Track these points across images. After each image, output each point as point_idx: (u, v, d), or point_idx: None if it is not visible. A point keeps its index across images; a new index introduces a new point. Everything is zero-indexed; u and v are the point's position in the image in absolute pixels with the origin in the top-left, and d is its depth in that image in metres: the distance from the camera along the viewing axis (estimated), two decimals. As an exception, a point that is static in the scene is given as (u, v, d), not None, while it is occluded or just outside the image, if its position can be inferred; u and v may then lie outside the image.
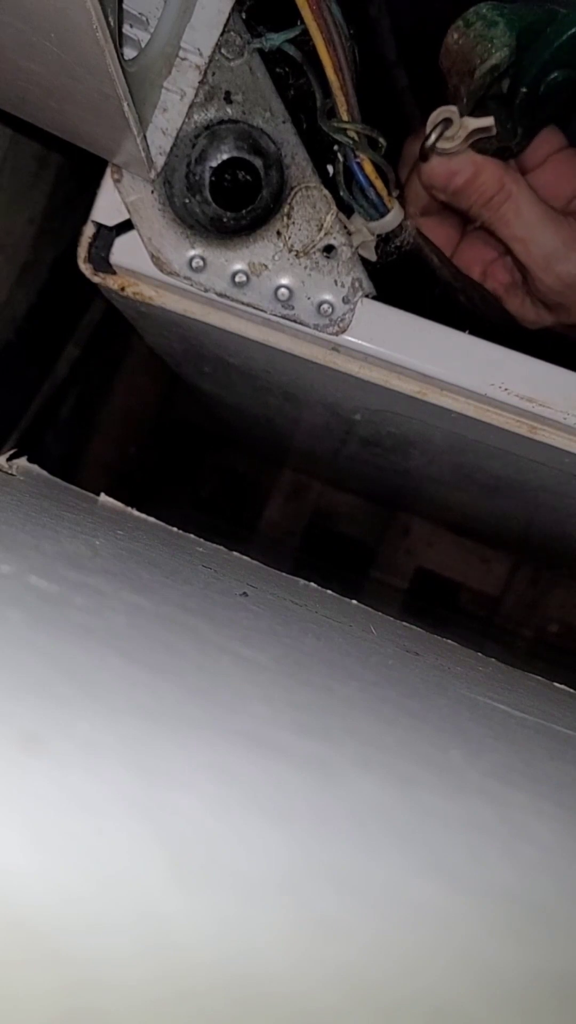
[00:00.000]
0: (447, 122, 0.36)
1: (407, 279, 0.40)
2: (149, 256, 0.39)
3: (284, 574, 0.43)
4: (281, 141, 0.38)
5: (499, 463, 0.50)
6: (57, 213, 0.62)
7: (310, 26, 0.34)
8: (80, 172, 0.61)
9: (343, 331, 0.39)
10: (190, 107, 0.38)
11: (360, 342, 0.39)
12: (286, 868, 0.17)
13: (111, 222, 0.40)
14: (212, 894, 0.15)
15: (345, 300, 0.39)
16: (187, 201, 0.39)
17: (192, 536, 0.42)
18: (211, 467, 1.11)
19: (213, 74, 0.38)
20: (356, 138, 0.36)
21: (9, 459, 0.40)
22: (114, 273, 0.41)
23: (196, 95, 0.38)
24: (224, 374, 0.56)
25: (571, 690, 0.41)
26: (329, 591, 0.42)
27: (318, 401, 0.53)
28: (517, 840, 0.21)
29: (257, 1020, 0.13)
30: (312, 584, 0.43)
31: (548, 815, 0.23)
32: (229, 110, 0.38)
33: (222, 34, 0.37)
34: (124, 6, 0.33)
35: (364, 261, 0.39)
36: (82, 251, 0.41)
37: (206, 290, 0.39)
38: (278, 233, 0.38)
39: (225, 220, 0.40)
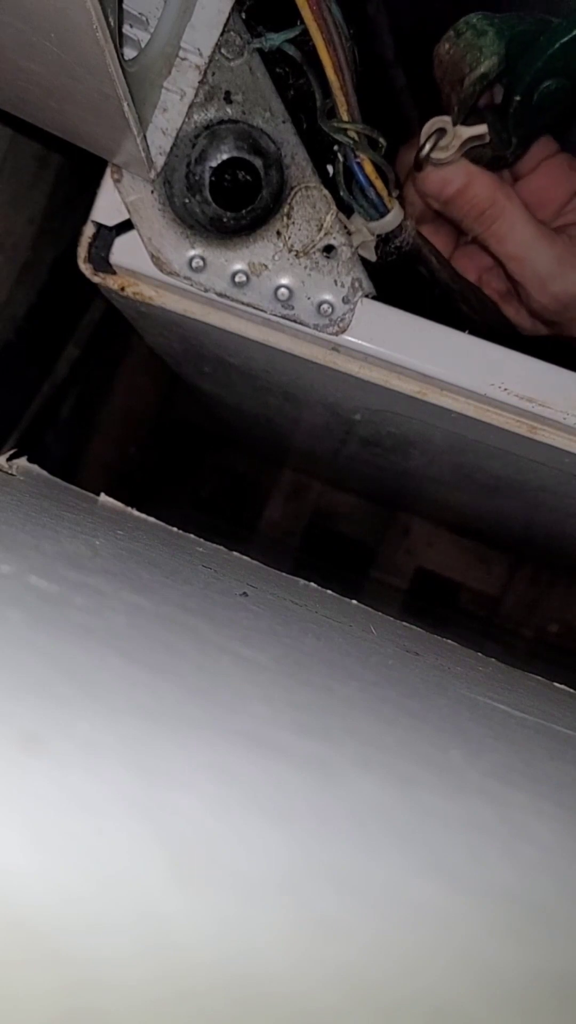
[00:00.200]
0: (441, 132, 0.36)
1: (407, 279, 0.40)
2: (149, 256, 0.39)
3: (284, 574, 0.43)
4: (281, 141, 0.38)
5: (499, 463, 0.50)
6: (57, 213, 0.62)
7: (310, 26, 0.34)
8: (80, 172, 0.61)
9: (343, 331, 0.39)
10: (190, 107, 0.38)
11: (360, 342, 0.39)
12: (286, 868, 0.17)
13: (111, 222, 0.40)
14: (212, 894, 0.15)
15: (345, 300, 0.39)
16: (187, 201, 0.39)
17: (192, 536, 0.42)
18: (211, 467, 1.11)
19: (213, 74, 0.38)
20: (356, 138, 0.36)
21: (9, 459, 0.40)
22: (114, 273, 0.41)
23: (196, 95, 0.38)
24: (224, 374, 0.56)
25: (571, 690, 0.41)
26: (329, 591, 0.42)
27: (318, 401, 0.53)
28: (517, 840, 0.21)
29: (257, 1020, 0.13)
30: (312, 584, 0.43)
31: (548, 815, 0.23)
32: (229, 110, 0.38)
33: (222, 34, 0.37)
34: (124, 6, 0.33)
35: (364, 261, 0.39)
36: (82, 251, 0.41)
37: (206, 290, 0.39)
38: (278, 233, 0.38)
39: (225, 220, 0.40)
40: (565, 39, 0.34)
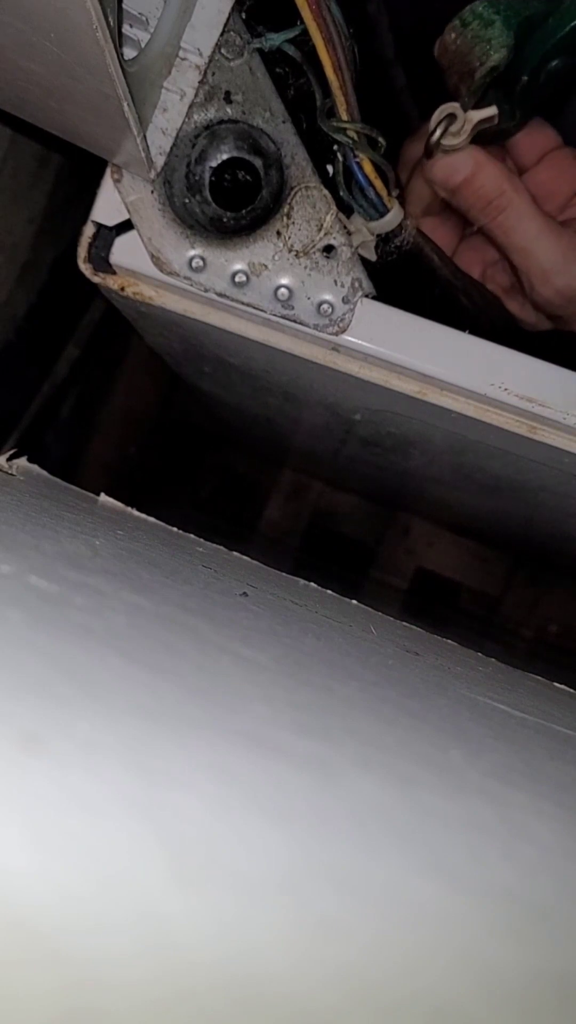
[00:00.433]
0: (451, 117, 0.36)
1: (407, 279, 0.40)
2: (149, 256, 0.39)
3: (284, 574, 0.43)
4: (281, 141, 0.38)
5: (499, 463, 0.50)
6: (57, 213, 0.62)
7: (310, 26, 0.34)
8: (80, 172, 0.61)
9: (343, 331, 0.39)
10: (190, 107, 0.38)
11: (360, 342, 0.39)
12: (286, 868, 0.17)
13: (111, 222, 0.40)
14: (212, 894, 0.15)
15: (345, 300, 0.39)
16: (187, 201, 0.39)
17: (192, 536, 0.42)
18: (211, 467, 1.11)
19: (213, 74, 0.38)
20: (356, 138, 0.36)
21: (9, 459, 0.40)
22: (114, 273, 0.41)
23: (196, 95, 0.38)
24: (224, 374, 0.56)
25: (571, 690, 0.41)
26: (329, 591, 0.42)
27: (318, 401, 0.53)
28: (517, 840, 0.21)
29: (257, 1020, 0.13)
30: (312, 584, 0.43)
31: (548, 815, 0.23)
32: (229, 110, 0.38)
33: (222, 34, 0.37)
34: (124, 6, 0.33)
35: (364, 261, 0.39)
36: (82, 251, 0.41)
37: (206, 290, 0.39)
38: (278, 233, 0.38)
39: (225, 220, 0.40)
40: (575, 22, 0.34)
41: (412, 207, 0.42)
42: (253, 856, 0.16)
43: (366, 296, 0.39)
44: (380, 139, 0.36)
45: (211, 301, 0.40)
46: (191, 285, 0.39)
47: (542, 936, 0.18)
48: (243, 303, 0.39)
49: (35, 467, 0.41)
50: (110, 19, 0.26)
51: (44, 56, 0.28)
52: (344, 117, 0.36)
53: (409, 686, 0.31)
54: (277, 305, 0.39)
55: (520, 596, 1.05)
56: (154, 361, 0.75)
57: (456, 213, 0.42)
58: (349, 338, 0.39)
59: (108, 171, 0.39)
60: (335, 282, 0.39)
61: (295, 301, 0.39)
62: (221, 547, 0.43)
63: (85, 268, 0.42)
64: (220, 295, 0.39)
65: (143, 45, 0.34)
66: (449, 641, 0.43)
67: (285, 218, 0.38)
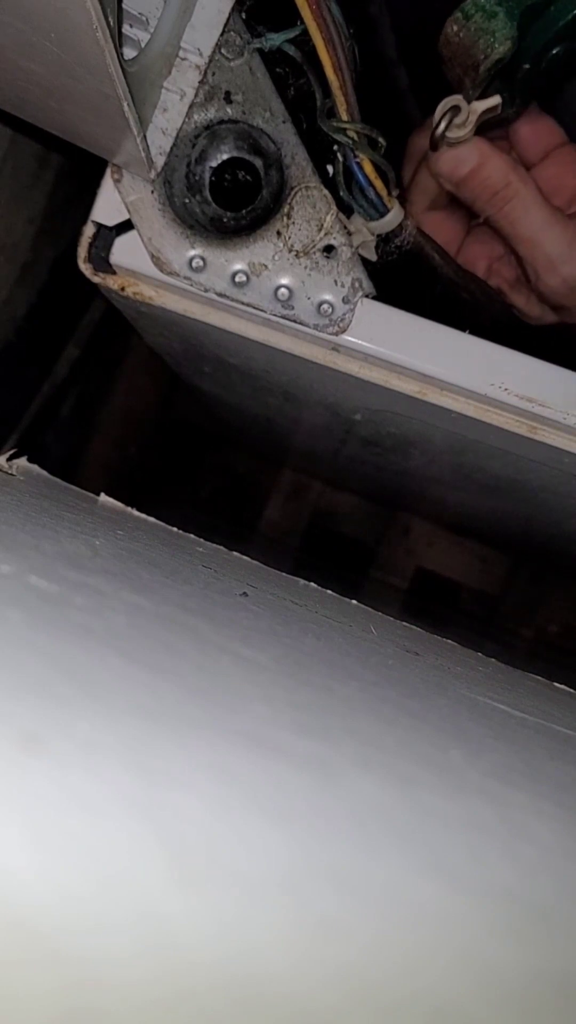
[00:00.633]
0: (455, 110, 0.36)
1: (407, 279, 0.40)
2: (149, 256, 0.39)
3: (284, 574, 0.43)
4: (281, 141, 0.38)
5: (499, 463, 0.50)
6: (57, 213, 0.62)
7: (310, 26, 0.34)
8: (80, 172, 0.61)
9: (343, 331, 0.39)
10: (190, 107, 0.38)
11: (360, 342, 0.39)
12: (286, 868, 0.17)
13: (111, 222, 0.40)
14: (212, 894, 0.15)
15: (345, 300, 0.39)
16: (187, 201, 0.39)
17: (192, 536, 0.42)
18: (211, 467, 1.11)
19: (213, 74, 0.38)
20: (356, 138, 0.36)
21: (9, 459, 0.40)
22: (114, 273, 0.41)
23: (196, 95, 0.38)
24: (224, 374, 0.56)
25: (571, 690, 0.41)
26: (329, 591, 0.42)
27: (318, 401, 0.53)
28: (517, 840, 0.21)
29: (257, 1020, 0.13)
30: (312, 584, 0.43)
31: (548, 815, 0.23)
32: (229, 110, 0.38)
33: (222, 34, 0.37)
34: (124, 6, 0.33)
35: (364, 261, 0.39)
36: (82, 251, 0.41)
37: (206, 290, 0.39)
38: (278, 233, 0.38)
39: (225, 220, 0.40)
40: None
41: (418, 200, 0.42)
42: (253, 856, 0.16)
43: (366, 296, 0.39)
44: (380, 139, 0.36)
45: (211, 301, 0.40)
46: (191, 285, 0.39)
47: (542, 936, 0.18)
48: (243, 303, 0.39)
49: (35, 467, 0.41)
50: (110, 19, 0.26)
51: (44, 56, 0.28)
52: (344, 117, 0.36)
53: (409, 686, 0.31)
54: (277, 305, 0.39)
55: (520, 596, 1.05)
56: (154, 361, 0.75)
57: (462, 207, 0.42)
58: (349, 338, 0.39)
59: (108, 171, 0.39)
60: (335, 282, 0.39)
61: (295, 301, 0.39)
62: (221, 547, 0.43)
63: (85, 268, 0.42)
64: (220, 295, 0.39)
65: (143, 45, 0.34)
66: (449, 641, 0.43)
67: (285, 218, 0.38)
